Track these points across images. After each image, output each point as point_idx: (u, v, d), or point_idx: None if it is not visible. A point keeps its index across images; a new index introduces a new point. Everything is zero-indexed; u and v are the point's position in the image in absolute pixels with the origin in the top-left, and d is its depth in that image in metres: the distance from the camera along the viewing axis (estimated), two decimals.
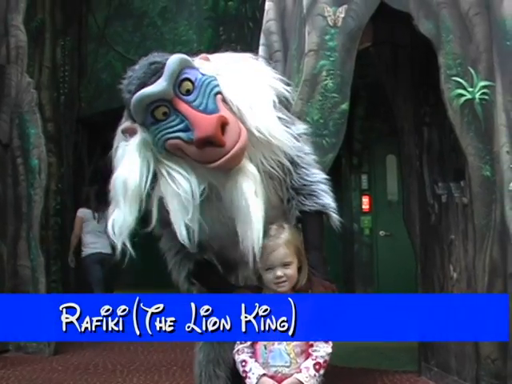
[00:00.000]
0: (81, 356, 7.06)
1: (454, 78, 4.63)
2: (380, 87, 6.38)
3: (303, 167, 3.16)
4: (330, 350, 2.86)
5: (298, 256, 2.94)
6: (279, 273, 2.87)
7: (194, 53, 3.25)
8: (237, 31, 8.94)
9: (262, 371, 2.85)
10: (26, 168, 7.35)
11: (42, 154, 7.32)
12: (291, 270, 2.89)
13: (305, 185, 3.14)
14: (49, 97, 11.51)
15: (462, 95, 4.62)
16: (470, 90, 4.63)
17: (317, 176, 3.19)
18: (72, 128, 11.73)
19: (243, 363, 2.92)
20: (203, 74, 2.98)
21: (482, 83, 4.64)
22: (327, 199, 3.15)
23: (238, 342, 2.96)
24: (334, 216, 3.18)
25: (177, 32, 10.24)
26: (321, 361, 2.82)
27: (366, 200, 10.78)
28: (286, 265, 2.88)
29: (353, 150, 10.71)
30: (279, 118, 3.06)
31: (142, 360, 6.73)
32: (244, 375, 2.91)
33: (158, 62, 2.97)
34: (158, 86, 2.90)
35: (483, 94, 4.63)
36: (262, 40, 5.08)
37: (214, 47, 8.51)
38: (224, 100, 2.94)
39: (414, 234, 5.84)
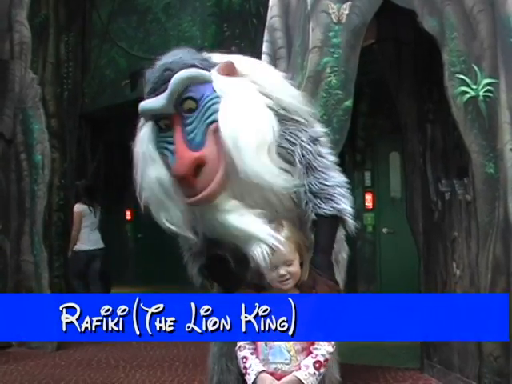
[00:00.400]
0: (84, 351, 7.08)
1: (457, 75, 4.62)
2: (383, 84, 6.37)
3: (320, 171, 3.13)
4: (331, 348, 2.86)
5: (300, 252, 2.93)
6: (282, 271, 2.87)
7: (198, 49, 3.25)
8: (241, 27, 8.93)
9: (262, 368, 2.86)
10: (30, 163, 7.36)
11: (46, 150, 7.33)
12: (294, 268, 2.89)
13: (322, 189, 3.10)
14: (52, 92, 11.50)
15: (466, 92, 4.61)
16: (474, 87, 4.62)
17: (335, 179, 3.16)
18: (75, 123, 11.73)
19: (244, 360, 2.94)
20: (213, 91, 2.98)
21: (486, 80, 4.62)
22: (344, 204, 3.11)
23: None
24: (350, 222, 3.16)
25: (180, 28, 10.23)
26: (321, 359, 2.81)
27: (368, 197, 10.78)
28: (288, 263, 2.88)
29: (356, 146, 10.70)
30: (297, 120, 3.08)
31: (144, 356, 6.75)
32: (244, 371, 2.92)
33: (171, 69, 2.97)
34: (158, 102, 2.95)
35: (487, 91, 4.62)
36: (265, 36, 5.08)
37: (217, 43, 8.53)
38: (214, 131, 2.94)
39: (416, 231, 5.84)
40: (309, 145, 3.10)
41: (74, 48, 11.83)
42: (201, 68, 3.03)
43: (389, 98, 6.39)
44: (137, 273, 15.66)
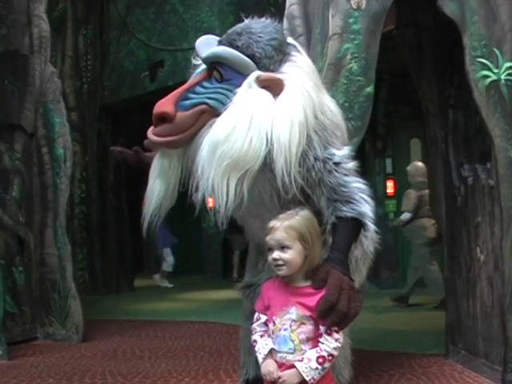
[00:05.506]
0: (109, 342, 7.12)
1: (478, 60, 4.60)
2: (404, 70, 6.35)
3: (339, 177, 3.09)
4: (335, 344, 2.80)
5: (303, 244, 2.89)
6: (275, 255, 2.84)
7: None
8: (259, 17, 8.92)
9: (267, 350, 2.86)
10: (52, 157, 7.38)
11: (67, 143, 7.34)
12: (288, 255, 2.83)
13: (343, 191, 3.08)
14: (72, 86, 11.59)
15: (488, 76, 4.59)
16: (496, 71, 4.60)
17: (354, 184, 3.13)
18: (95, 116, 11.81)
19: (254, 343, 2.95)
20: (236, 86, 2.97)
21: (508, 64, 4.60)
22: (365, 208, 3.08)
23: (254, 320, 3.00)
24: (370, 226, 3.11)
25: (198, 18, 10.26)
26: (325, 354, 2.75)
27: (390, 184, 10.80)
28: (283, 248, 2.86)
29: (377, 133, 10.71)
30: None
31: (169, 346, 6.77)
32: (256, 354, 2.95)
33: (247, 40, 3.12)
34: (204, 52, 3.10)
35: (509, 74, 4.60)
36: (284, 25, 5.04)
37: None
38: (201, 111, 2.99)
39: (439, 216, 5.81)
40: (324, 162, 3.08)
41: (93, 41, 11.90)
42: (264, 58, 3.08)
43: (409, 84, 6.37)
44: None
